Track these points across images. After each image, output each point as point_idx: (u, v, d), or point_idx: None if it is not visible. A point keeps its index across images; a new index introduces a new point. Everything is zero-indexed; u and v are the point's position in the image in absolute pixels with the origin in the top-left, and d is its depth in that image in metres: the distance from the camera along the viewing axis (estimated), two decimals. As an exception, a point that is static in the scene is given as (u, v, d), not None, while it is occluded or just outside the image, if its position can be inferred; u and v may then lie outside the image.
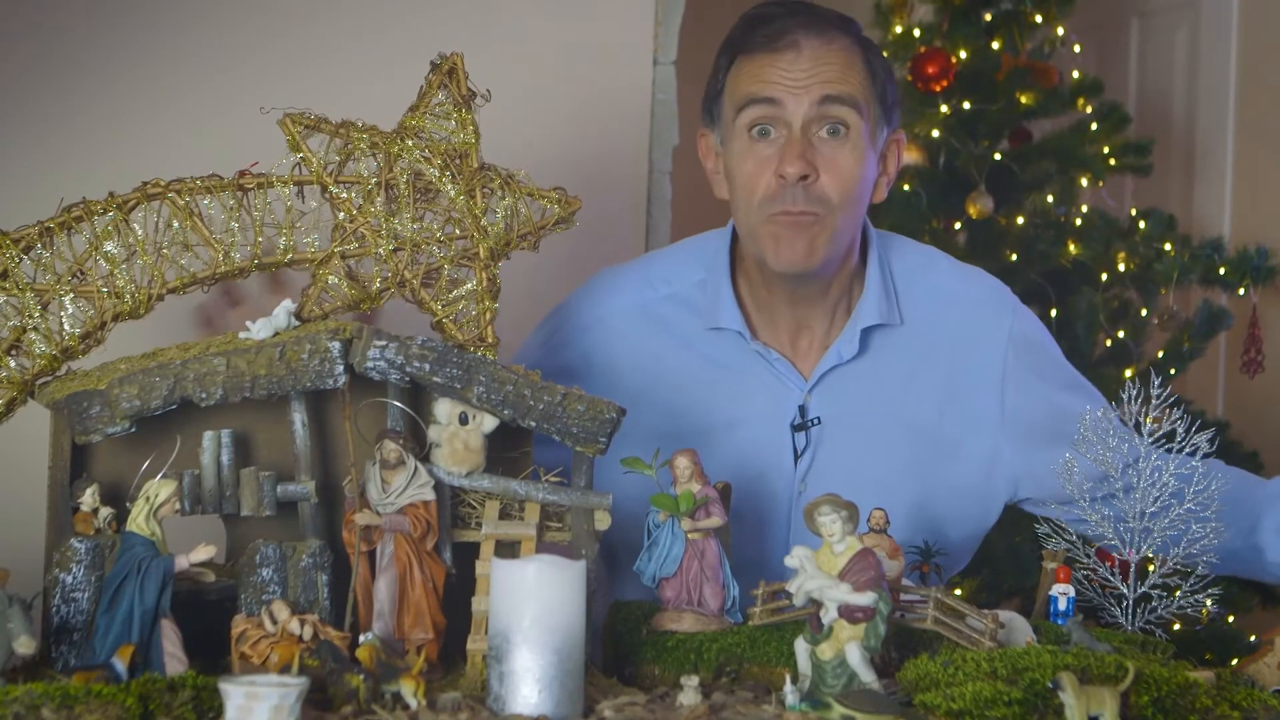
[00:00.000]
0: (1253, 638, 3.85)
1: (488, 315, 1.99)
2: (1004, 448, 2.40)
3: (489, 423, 1.90)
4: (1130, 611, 2.05)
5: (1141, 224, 4.29)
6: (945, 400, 2.39)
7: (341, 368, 1.86)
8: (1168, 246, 4.21)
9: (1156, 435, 2.02)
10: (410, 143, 1.98)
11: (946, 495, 2.40)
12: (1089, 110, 4.37)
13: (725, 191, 2.39)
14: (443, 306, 1.99)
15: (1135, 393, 2.01)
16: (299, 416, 1.90)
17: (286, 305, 1.92)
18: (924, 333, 2.40)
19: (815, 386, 2.38)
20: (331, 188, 1.97)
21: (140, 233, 1.93)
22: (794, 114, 2.27)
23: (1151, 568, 2.06)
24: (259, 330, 1.90)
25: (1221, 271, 4.22)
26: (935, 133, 4.27)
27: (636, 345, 2.41)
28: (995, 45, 4.29)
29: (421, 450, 1.90)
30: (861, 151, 2.30)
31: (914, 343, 2.40)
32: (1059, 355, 2.49)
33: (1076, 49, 4.49)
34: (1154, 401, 2.02)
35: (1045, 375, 2.43)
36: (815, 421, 2.36)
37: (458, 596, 1.86)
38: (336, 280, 1.97)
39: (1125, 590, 2.04)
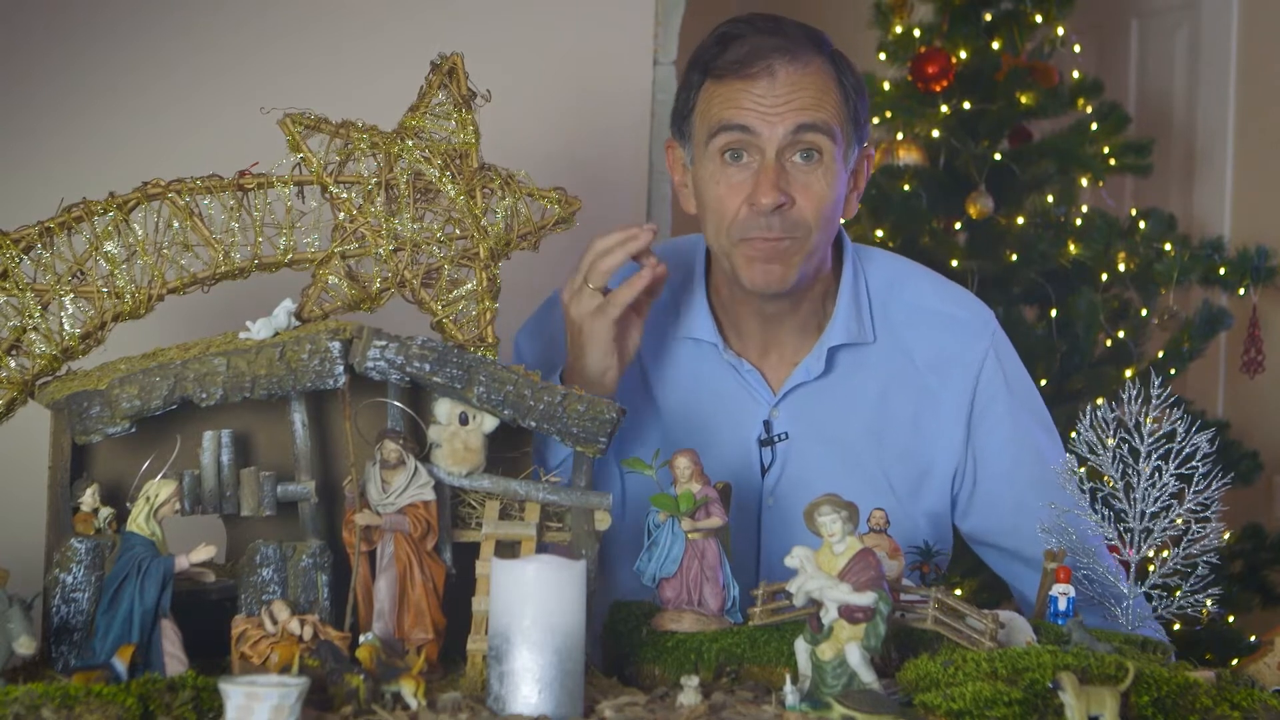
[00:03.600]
0: (1253, 638, 3.85)
1: (488, 315, 1.99)
2: (965, 470, 2.38)
3: (489, 423, 1.90)
4: (1130, 611, 2.05)
5: (1141, 224, 4.28)
6: (918, 418, 2.36)
7: (341, 368, 1.86)
8: (1168, 246, 4.20)
9: (1156, 435, 2.02)
10: (410, 143, 1.98)
11: (921, 515, 2.38)
12: (1089, 110, 4.36)
13: (693, 207, 2.35)
14: (443, 306, 1.99)
15: (1135, 393, 2.01)
16: (299, 416, 1.90)
17: (286, 305, 1.92)
18: (899, 350, 2.37)
19: (782, 401, 2.35)
20: (331, 188, 1.97)
21: (140, 233, 1.93)
22: (768, 141, 2.23)
23: (1151, 568, 2.06)
24: (259, 330, 1.90)
25: (1221, 271, 4.21)
26: (935, 133, 4.27)
27: None
28: (995, 45, 4.28)
29: (421, 450, 1.90)
30: (835, 174, 2.26)
31: (887, 360, 2.37)
32: (1032, 388, 2.45)
33: (1076, 49, 4.48)
34: (1154, 401, 2.02)
35: (1013, 407, 2.39)
36: (782, 437, 2.34)
37: (458, 596, 1.86)
38: (336, 280, 1.97)
39: (1125, 590, 2.04)
